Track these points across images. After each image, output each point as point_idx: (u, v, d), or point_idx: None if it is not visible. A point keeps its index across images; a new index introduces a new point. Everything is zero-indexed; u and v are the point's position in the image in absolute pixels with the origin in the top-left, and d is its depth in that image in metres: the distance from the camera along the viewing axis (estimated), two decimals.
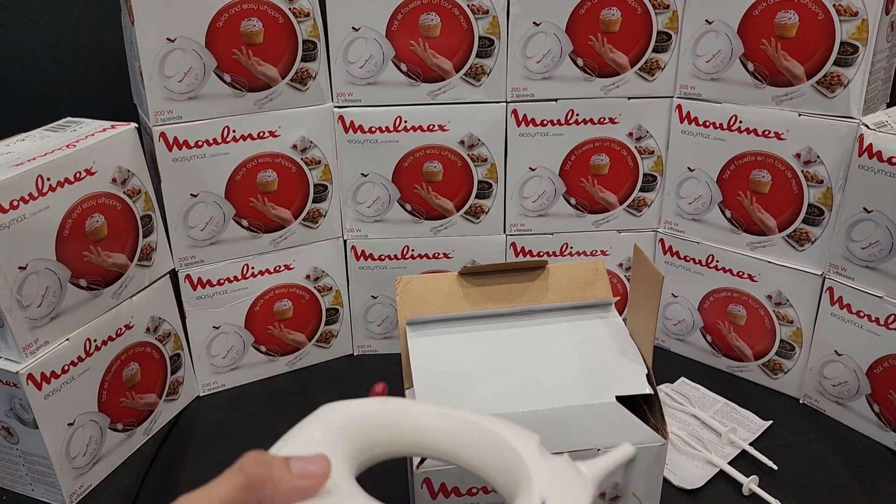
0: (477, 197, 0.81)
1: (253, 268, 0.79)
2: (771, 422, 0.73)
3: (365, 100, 0.77)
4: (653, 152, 0.80)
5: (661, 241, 0.83)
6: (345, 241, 0.83)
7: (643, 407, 0.54)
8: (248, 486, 0.32)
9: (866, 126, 0.65)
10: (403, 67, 0.75)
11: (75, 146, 0.63)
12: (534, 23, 0.74)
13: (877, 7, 0.63)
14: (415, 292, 0.60)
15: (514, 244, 0.84)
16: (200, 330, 0.79)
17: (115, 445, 0.70)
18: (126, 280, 0.69)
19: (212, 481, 0.32)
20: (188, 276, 0.77)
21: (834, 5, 0.65)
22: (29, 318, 0.61)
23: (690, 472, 0.67)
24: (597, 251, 0.84)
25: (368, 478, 0.41)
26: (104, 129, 0.67)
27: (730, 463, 0.67)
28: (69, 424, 0.65)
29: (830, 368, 0.73)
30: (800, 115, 0.69)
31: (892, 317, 0.67)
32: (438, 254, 0.83)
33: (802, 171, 0.71)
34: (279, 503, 0.32)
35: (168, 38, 0.68)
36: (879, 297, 0.67)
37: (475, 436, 0.38)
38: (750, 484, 0.64)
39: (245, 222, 0.77)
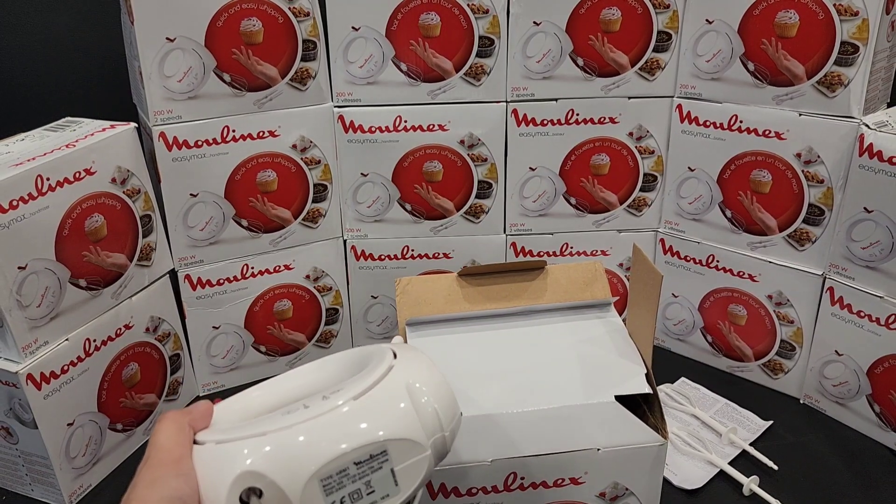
0: (477, 197, 0.81)
1: (253, 268, 0.79)
2: (771, 422, 0.73)
3: (365, 99, 0.77)
4: (653, 152, 0.80)
5: (662, 240, 0.83)
6: (345, 241, 0.83)
7: (643, 407, 0.54)
8: (175, 420, 0.40)
9: (867, 126, 0.65)
10: (403, 67, 0.75)
11: (75, 146, 0.63)
12: (534, 22, 0.74)
13: (877, 7, 0.63)
14: (414, 293, 0.60)
15: (514, 244, 0.84)
16: (200, 330, 0.79)
17: (115, 445, 0.70)
18: (125, 280, 0.69)
19: (149, 440, 0.39)
20: (188, 276, 0.77)
21: (834, 5, 0.65)
22: (28, 318, 0.61)
23: (691, 473, 0.67)
24: (597, 251, 0.84)
25: None
26: (104, 129, 0.67)
27: (730, 463, 0.67)
28: (69, 424, 0.65)
29: (831, 368, 0.73)
30: (800, 114, 0.69)
31: (893, 317, 0.66)
32: (438, 254, 0.83)
33: (803, 171, 0.70)
34: (197, 422, 0.41)
35: (168, 38, 0.68)
36: (880, 297, 0.67)
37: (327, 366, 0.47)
38: (750, 484, 0.64)
39: (245, 222, 0.77)
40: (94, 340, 0.67)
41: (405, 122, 0.77)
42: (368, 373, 0.41)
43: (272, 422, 0.38)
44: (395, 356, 0.43)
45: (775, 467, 0.66)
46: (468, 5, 0.73)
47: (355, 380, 0.41)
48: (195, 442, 0.39)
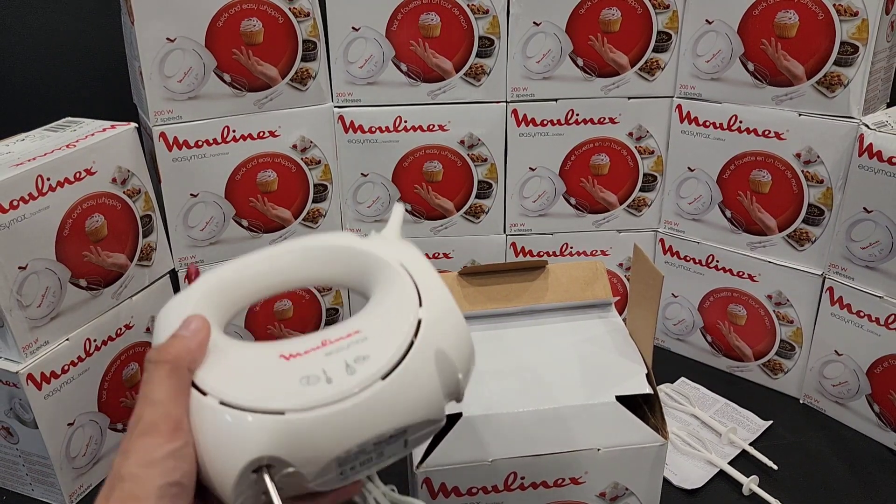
0: (477, 197, 0.81)
1: None
2: (771, 422, 0.73)
3: (365, 100, 0.77)
4: (653, 152, 0.80)
5: (661, 240, 0.83)
6: None
7: (643, 407, 0.54)
8: (174, 369, 0.35)
9: (866, 126, 0.65)
10: (403, 67, 0.75)
11: (75, 146, 0.63)
12: (534, 23, 0.74)
13: (877, 7, 0.63)
14: None
15: (514, 244, 0.84)
16: None
17: (116, 445, 0.70)
18: (126, 280, 0.69)
19: (142, 389, 0.35)
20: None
21: (834, 5, 0.65)
22: (29, 318, 0.60)
23: (690, 472, 0.67)
24: (597, 251, 0.84)
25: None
26: (104, 129, 0.67)
27: (730, 463, 0.67)
28: (69, 424, 0.65)
29: (830, 368, 0.73)
30: (800, 114, 0.69)
31: (893, 317, 0.67)
32: (438, 254, 0.83)
33: (802, 171, 0.71)
34: (196, 361, 0.36)
35: (168, 38, 0.68)
36: (879, 297, 0.67)
37: (318, 256, 0.43)
38: (750, 484, 0.64)
39: (245, 222, 0.77)
40: (95, 340, 0.67)
41: (405, 122, 0.77)
42: (392, 324, 0.38)
43: (291, 392, 0.35)
44: (418, 295, 0.39)
45: (775, 467, 0.66)
46: (468, 6, 0.73)
47: (378, 330, 0.38)
48: (193, 384, 0.36)
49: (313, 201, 0.80)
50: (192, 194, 0.74)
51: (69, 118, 0.72)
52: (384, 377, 0.36)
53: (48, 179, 0.61)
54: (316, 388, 0.35)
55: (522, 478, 0.52)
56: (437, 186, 0.80)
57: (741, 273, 0.77)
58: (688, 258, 0.81)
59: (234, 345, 0.39)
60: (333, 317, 0.85)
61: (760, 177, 0.73)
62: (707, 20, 0.72)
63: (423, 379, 0.37)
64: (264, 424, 0.34)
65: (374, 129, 0.77)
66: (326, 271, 0.43)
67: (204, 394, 0.35)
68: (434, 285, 0.40)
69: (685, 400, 0.76)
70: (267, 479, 0.35)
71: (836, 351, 0.72)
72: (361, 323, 0.39)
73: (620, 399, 0.51)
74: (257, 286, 0.42)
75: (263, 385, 0.36)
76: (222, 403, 0.35)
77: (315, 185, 0.79)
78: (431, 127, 0.77)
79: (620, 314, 0.60)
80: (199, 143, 0.73)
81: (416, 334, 0.38)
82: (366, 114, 0.77)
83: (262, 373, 0.37)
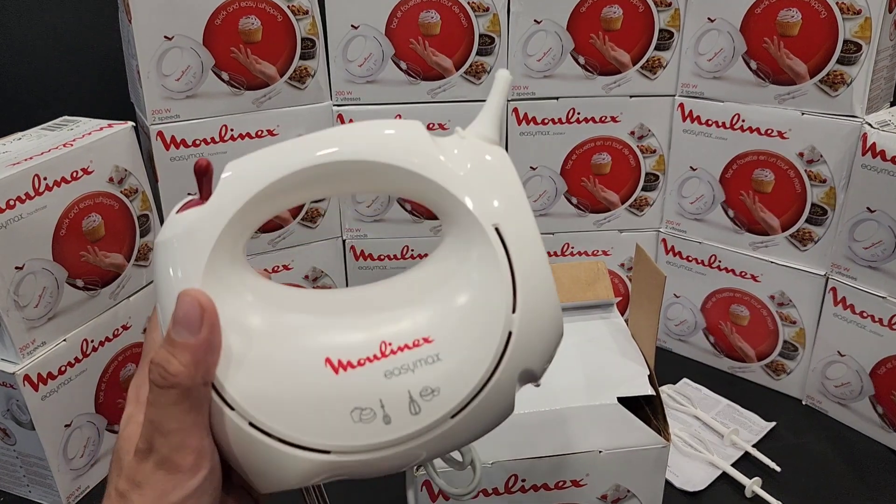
0: None
1: None
2: (773, 423, 0.73)
3: (364, 98, 0.76)
4: (654, 151, 0.79)
5: (663, 240, 0.83)
6: (343, 241, 0.83)
7: (645, 408, 0.53)
8: (184, 393, 0.29)
9: (870, 125, 0.65)
10: (403, 65, 0.75)
11: (72, 145, 0.63)
12: (534, 21, 0.74)
13: (880, 5, 0.63)
14: None
15: None
16: None
17: (113, 447, 0.70)
18: (123, 280, 0.69)
19: (149, 411, 0.29)
20: None
21: (837, 3, 0.64)
22: (26, 319, 0.60)
23: (693, 474, 0.66)
24: (598, 251, 0.84)
25: (367, 482, 0.40)
26: (101, 128, 0.67)
27: (732, 465, 0.67)
28: (66, 426, 0.64)
29: (833, 369, 0.72)
30: (803, 113, 0.69)
31: None
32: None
33: (805, 171, 0.70)
34: (210, 372, 0.29)
35: (166, 37, 0.68)
36: (883, 297, 0.67)
37: (380, 175, 0.32)
38: (753, 486, 0.64)
39: None
40: (92, 341, 0.66)
41: None
42: (473, 337, 0.30)
43: (339, 428, 0.29)
44: (513, 292, 0.30)
45: (778, 469, 0.66)
46: (468, 3, 0.72)
47: (453, 345, 0.30)
48: (215, 390, 0.29)
49: (311, 200, 0.79)
50: (189, 194, 0.73)
51: (66, 117, 0.72)
52: (454, 416, 0.30)
53: (45, 179, 0.60)
54: (370, 428, 0.29)
55: (523, 480, 0.51)
56: None
57: (743, 273, 0.77)
58: (690, 258, 0.81)
59: (258, 312, 0.31)
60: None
61: (763, 176, 0.73)
62: (709, 18, 0.72)
63: (497, 406, 0.31)
64: (305, 462, 0.29)
65: None
66: (392, 189, 0.33)
67: (231, 408, 0.29)
68: (535, 269, 0.31)
69: (687, 401, 0.75)
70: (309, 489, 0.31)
71: (838, 352, 0.71)
72: (433, 323, 0.30)
73: (622, 400, 0.51)
74: (294, 197, 0.33)
75: (306, 409, 0.29)
76: (253, 426, 0.29)
77: None
78: (431, 126, 0.77)
79: (622, 315, 0.60)
80: (197, 143, 0.72)
81: (502, 355, 0.30)
82: (365, 112, 0.77)
83: (304, 388, 0.30)
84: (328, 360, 0.30)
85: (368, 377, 0.29)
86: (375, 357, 0.30)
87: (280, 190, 0.31)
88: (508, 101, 0.77)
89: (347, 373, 0.29)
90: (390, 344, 0.30)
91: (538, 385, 0.34)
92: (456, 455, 0.37)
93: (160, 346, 0.30)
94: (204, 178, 0.31)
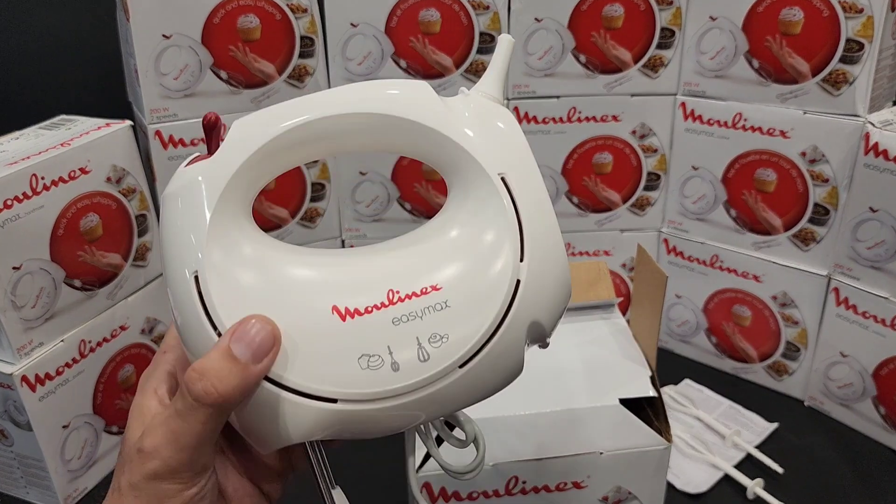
0: None
1: None
2: (776, 424, 0.72)
3: None
4: (656, 150, 0.79)
5: (665, 240, 0.82)
6: (343, 241, 0.82)
7: (647, 409, 0.53)
8: (218, 413, 0.28)
9: (872, 124, 0.64)
10: (403, 64, 0.74)
11: (70, 145, 0.63)
12: (535, 19, 0.73)
13: (882, 4, 0.62)
14: None
15: None
16: None
17: (111, 448, 0.70)
18: (121, 280, 0.69)
19: (169, 422, 0.28)
20: None
21: (839, 2, 0.64)
22: (23, 319, 0.60)
23: (695, 476, 0.66)
24: (599, 251, 0.84)
25: (366, 482, 0.40)
26: (99, 128, 0.67)
27: (734, 466, 0.66)
28: (64, 427, 0.64)
29: (836, 370, 0.72)
30: (805, 113, 0.69)
31: None
32: None
33: (808, 170, 0.70)
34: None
35: (164, 35, 0.67)
36: (885, 297, 0.66)
37: (388, 130, 0.33)
38: (755, 487, 0.63)
39: None
40: (90, 342, 0.66)
41: None
42: (482, 286, 0.30)
43: (346, 375, 0.29)
44: (521, 240, 0.32)
45: (780, 470, 0.66)
46: (469, 1, 0.72)
47: (462, 293, 0.30)
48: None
49: (311, 200, 0.79)
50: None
51: (63, 116, 0.72)
52: (462, 365, 0.30)
53: (42, 178, 0.60)
54: (378, 375, 0.29)
55: (524, 482, 0.51)
56: (437, 185, 0.79)
57: (746, 273, 0.76)
58: (692, 258, 0.80)
59: (263, 264, 0.31)
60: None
61: (765, 176, 0.72)
62: (711, 17, 0.72)
63: (506, 359, 0.31)
64: (312, 411, 0.29)
65: None
66: (396, 146, 0.34)
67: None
68: (541, 218, 0.33)
69: (689, 402, 0.75)
70: (310, 450, 0.31)
71: (841, 352, 0.71)
72: (441, 271, 0.30)
73: (623, 402, 0.50)
74: (301, 153, 0.33)
75: (313, 357, 0.29)
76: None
77: (313, 184, 0.78)
78: None
79: (624, 315, 0.60)
80: (196, 142, 0.72)
81: (510, 304, 0.30)
82: None
83: (310, 336, 0.29)
84: (335, 308, 0.30)
85: (376, 324, 0.29)
86: (383, 304, 0.30)
87: (287, 144, 0.31)
88: (509, 100, 0.76)
89: (355, 320, 0.29)
90: (398, 291, 0.30)
91: (546, 346, 0.33)
92: (459, 434, 0.37)
93: (211, 357, 0.28)
94: (213, 133, 0.31)
